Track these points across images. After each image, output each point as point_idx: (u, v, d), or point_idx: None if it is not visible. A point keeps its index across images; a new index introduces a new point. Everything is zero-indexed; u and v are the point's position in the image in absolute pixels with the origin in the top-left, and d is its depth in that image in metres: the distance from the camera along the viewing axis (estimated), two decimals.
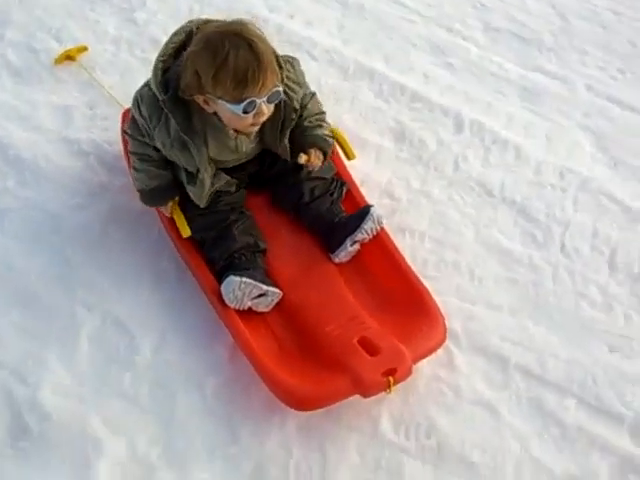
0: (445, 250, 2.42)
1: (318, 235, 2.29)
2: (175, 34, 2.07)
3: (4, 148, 2.54)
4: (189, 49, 1.98)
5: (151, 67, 2.10)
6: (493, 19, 3.15)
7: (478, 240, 2.46)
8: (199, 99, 2.01)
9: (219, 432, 2.01)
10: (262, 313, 2.15)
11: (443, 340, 2.10)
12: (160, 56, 2.07)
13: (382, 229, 2.28)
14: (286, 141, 2.20)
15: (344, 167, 2.44)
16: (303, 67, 2.26)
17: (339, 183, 2.35)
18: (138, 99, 2.12)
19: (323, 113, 2.31)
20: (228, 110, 1.98)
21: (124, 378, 2.08)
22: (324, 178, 2.32)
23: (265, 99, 1.98)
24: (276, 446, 2.00)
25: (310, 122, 2.24)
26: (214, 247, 2.20)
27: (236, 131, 2.12)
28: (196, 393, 2.07)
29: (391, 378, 1.94)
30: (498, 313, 2.29)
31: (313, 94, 2.28)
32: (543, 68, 2.98)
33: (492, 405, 2.10)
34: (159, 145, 2.12)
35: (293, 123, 2.18)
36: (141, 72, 2.70)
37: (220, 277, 2.13)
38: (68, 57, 2.77)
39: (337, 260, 2.25)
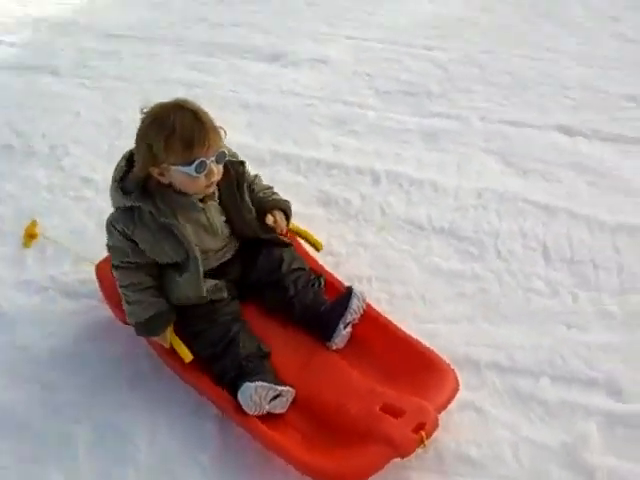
0: (393, 285, 2.58)
1: (309, 327, 2.35)
2: (120, 161, 2.23)
3: None
4: (138, 129, 2.14)
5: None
6: (381, 84, 3.47)
7: (420, 269, 2.63)
8: (154, 171, 2.13)
9: None
10: (280, 415, 2.18)
11: (457, 386, 2.17)
12: (113, 181, 2.21)
13: (367, 305, 2.36)
14: (247, 200, 2.32)
15: (314, 260, 2.54)
16: None
17: (317, 275, 2.44)
18: (111, 223, 2.22)
19: (272, 187, 2.47)
20: (182, 173, 2.11)
21: (128, 473, 2.14)
22: (303, 269, 2.42)
23: (213, 159, 2.13)
24: None
25: (265, 193, 2.42)
26: (223, 359, 2.24)
27: (201, 201, 2.23)
28: (196, 469, 2.13)
29: (422, 432, 2.00)
30: (456, 325, 2.44)
31: (256, 175, 2.45)
32: (437, 113, 3.29)
33: (475, 405, 2.21)
34: (144, 246, 2.19)
35: (247, 180, 2.32)
36: (79, 209, 2.93)
37: (231, 388, 2.18)
38: (31, 236, 2.85)
39: (334, 347, 2.30)
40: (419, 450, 2.02)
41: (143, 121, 2.15)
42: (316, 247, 2.52)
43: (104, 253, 2.34)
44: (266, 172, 3.00)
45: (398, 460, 2.06)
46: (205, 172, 2.13)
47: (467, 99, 3.34)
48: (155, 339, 2.29)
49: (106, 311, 2.49)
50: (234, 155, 2.32)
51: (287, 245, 2.46)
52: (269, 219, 2.34)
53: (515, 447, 2.11)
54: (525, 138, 3.14)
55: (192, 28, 4.10)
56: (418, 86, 3.43)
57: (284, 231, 2.41)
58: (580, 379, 2.25)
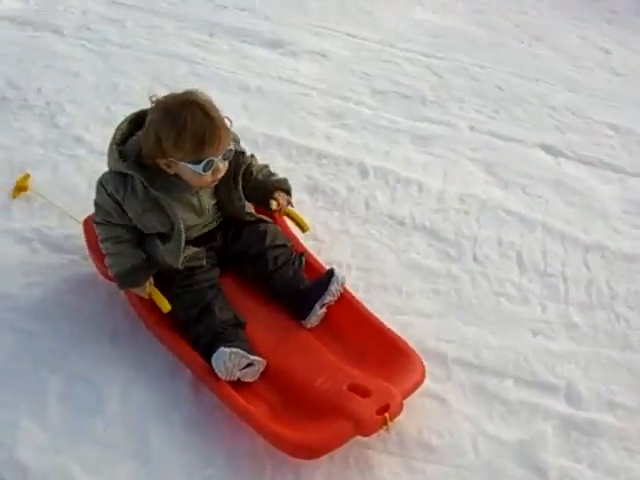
0: (371, 275, 2.65)
1: (286, 303, 2.40)
2: (121, 123, 2.27)
3: None
4: (149, 117, 2.16)
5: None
6: (377, 84, 3.57)
7: (399, 263, 2.70)
8: (161, 162, 2.17)
9: (194, 459, 2.11)
10: (249, 383, 2.23)
11: (423, 374, 2.22)
12: (113, 143, 2.24)
13: (344, 290, 2.41)
14: (240, 189, 2.36)
15: (297, 239, 2.58)
16: None
17: (298, 254, 2.48)
18: (102, 182, 2.26)
19: (268, 166, 2.52)
20: (189, 170, 2.16)
21: (96, 426, 2.18)
22: (285, 245, 2.46)
23: (221, 157, 2.17)
24: (249, 463, 2.11)
25: (263, 175, 2.45)
26: (198, 324, 2.28)
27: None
28: (167, 428, 2.17)
29: (386, 414, 2.05)
30: (428, 319, 2.51)
31: (252, 155, 2.49)
32: (428, 117, 3.38)
33: (439, 396, 2.28)
34: (131, 214, 2.24)
35: (243, 167, 2.35)
36: (70, 166, 2.96)
37: (205, 353, 2.23)
38: (21, 189, 2.86)
39: (309, 325, 2.35)
40: (381, 431, 2.08)
41: (154, 111, 2.17)
42: (302, 228, 2.56)
43: (91, 210, 2.37)
44: (258, 155, 3.06)
45: (361, 440, 2.12)
46: (212, 170, 2.18)
47: (458, 108, 3.44)
48: (135, 291, 2.32)
49: (88, 267, 2.53)
50: (236, 139, 2.33)
51: (268, 222, 2.51)
52: (272, 204, 2.38)
53: (474, 440, 2.18)
54: (510, 151, 3.24)
55: (196, 6, 4.14)
56: (413, 90, 3.53)
57: (286, 207, 2.46)
58: (542, 383, 2.34)
